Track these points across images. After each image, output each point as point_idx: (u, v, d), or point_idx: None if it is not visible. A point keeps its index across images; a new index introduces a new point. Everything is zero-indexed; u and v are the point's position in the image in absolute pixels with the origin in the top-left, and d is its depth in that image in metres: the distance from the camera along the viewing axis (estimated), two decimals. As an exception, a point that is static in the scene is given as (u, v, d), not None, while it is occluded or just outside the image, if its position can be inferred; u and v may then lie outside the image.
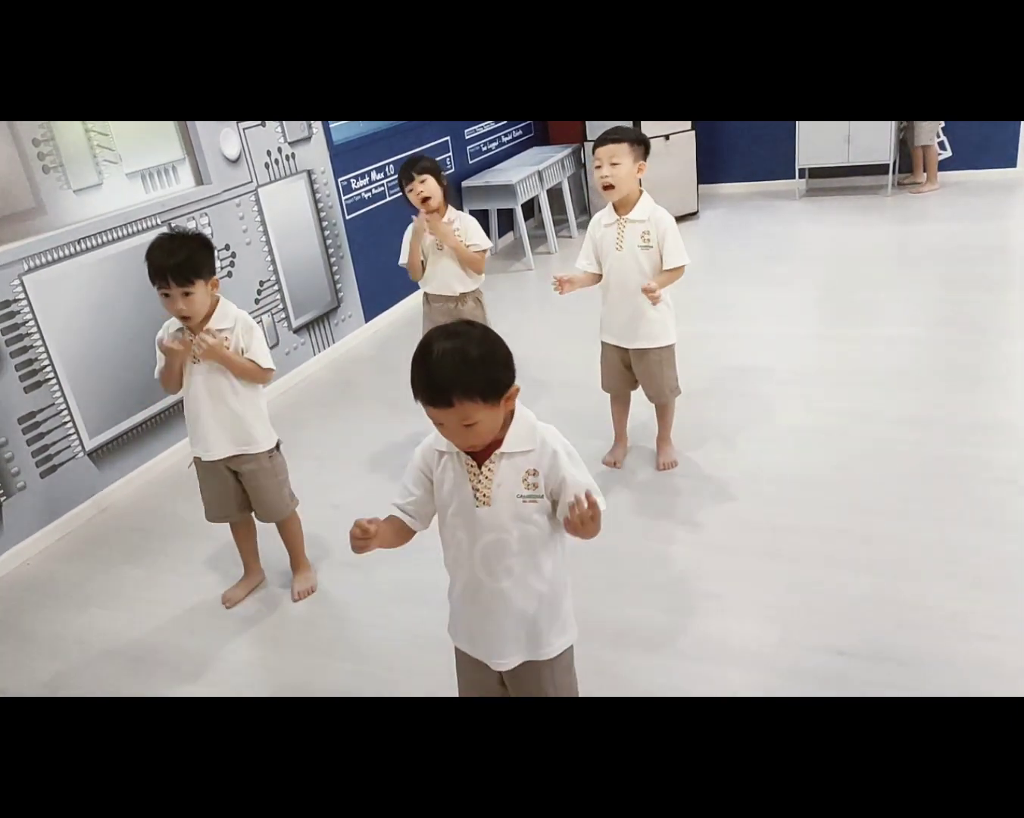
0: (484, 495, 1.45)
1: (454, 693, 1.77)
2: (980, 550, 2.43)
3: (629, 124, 3.55)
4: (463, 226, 3.18)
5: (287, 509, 2.60)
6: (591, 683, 1.77)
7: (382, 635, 2.44)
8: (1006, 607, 2.21)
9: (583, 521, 1.36)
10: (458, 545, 1.51)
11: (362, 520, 1.45)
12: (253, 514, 2.63)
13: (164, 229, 2.44)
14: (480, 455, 1.45)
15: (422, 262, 3.23)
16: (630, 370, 3.00)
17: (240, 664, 2.43)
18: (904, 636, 2.15)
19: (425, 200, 3.09)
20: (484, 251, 3.21)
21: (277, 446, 2.55)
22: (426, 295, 3.30)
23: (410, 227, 3.22)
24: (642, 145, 2.72)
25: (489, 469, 1.44)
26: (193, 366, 2.37)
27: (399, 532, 1.55)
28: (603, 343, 3.04)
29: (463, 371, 1.32)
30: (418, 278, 3.29)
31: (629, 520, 2.82)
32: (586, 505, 1.35)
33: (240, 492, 2.55)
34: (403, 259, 3.25)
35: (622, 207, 2.79)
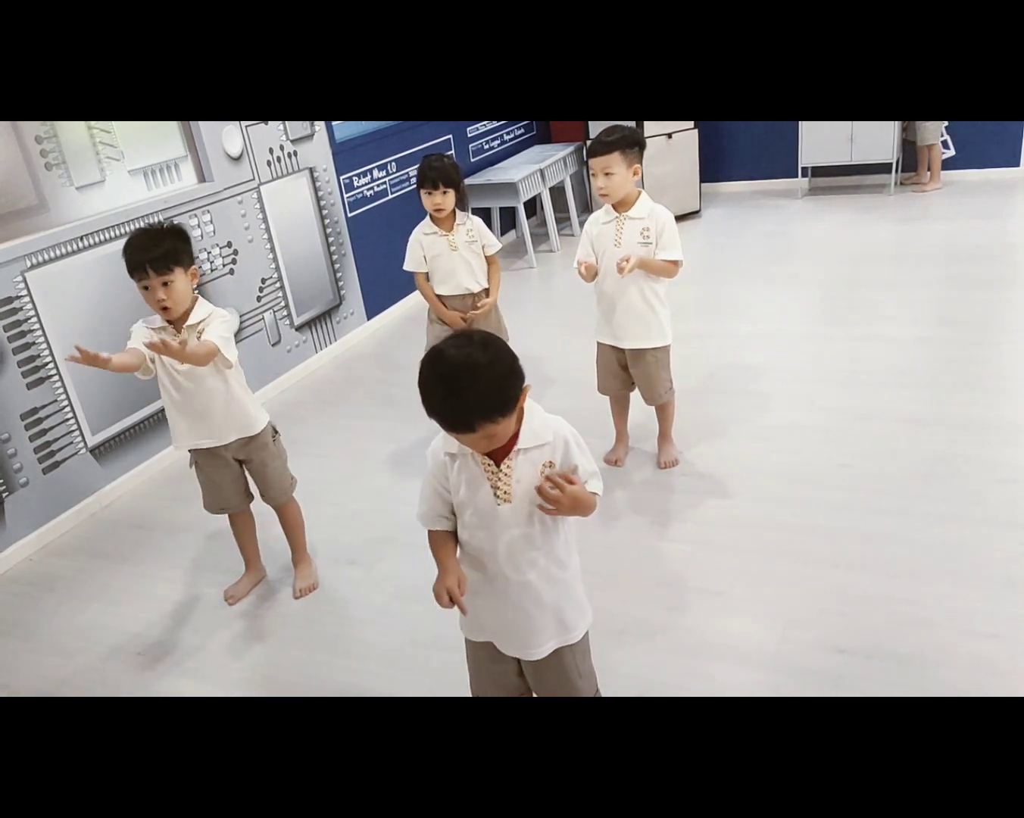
0: (505, 493, 1.45)
1: (454, 692, 1.78)
2: (980, 550, 2.43)
3: (632, 124, 3.55)
4: (475, 229, 3.23)
5: (291, 488, 2.65)
6: (591, 681, 1.77)
7: (383, 633, 2.45)
8: (1006, 607, 2.21)
9: (555, 500, 1.40)
10: (478, 545, 1.52)
11: (450, 588, 1.47)
12: (251, 508, 2.65)
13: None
14: (497, 454, 1.45)
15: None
16: (626, 370, 2.98)
17: (241, 661, 2.44)
18: (904, 636, 2.16)
19: (438, 210, 3.14)
20: (497, 252, 3.28)
21: (275, 430, 2.60)
22: (437, 297, 3.31)
23: (416, 234, 3.25)
24: (635, 147, 2.68)
25: (508, 467, 1.45)
26: (172, 367, 2.33)
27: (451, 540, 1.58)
28: (599, 344, 3.01)
29: (481, 399, 1.33)
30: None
31: (630, 518, 2.82)
32: (552, 486, 1.39)
33: (243, 480, 2.58)
34: (408, 267, 3.29)
35: (621, 206, 2.79)
